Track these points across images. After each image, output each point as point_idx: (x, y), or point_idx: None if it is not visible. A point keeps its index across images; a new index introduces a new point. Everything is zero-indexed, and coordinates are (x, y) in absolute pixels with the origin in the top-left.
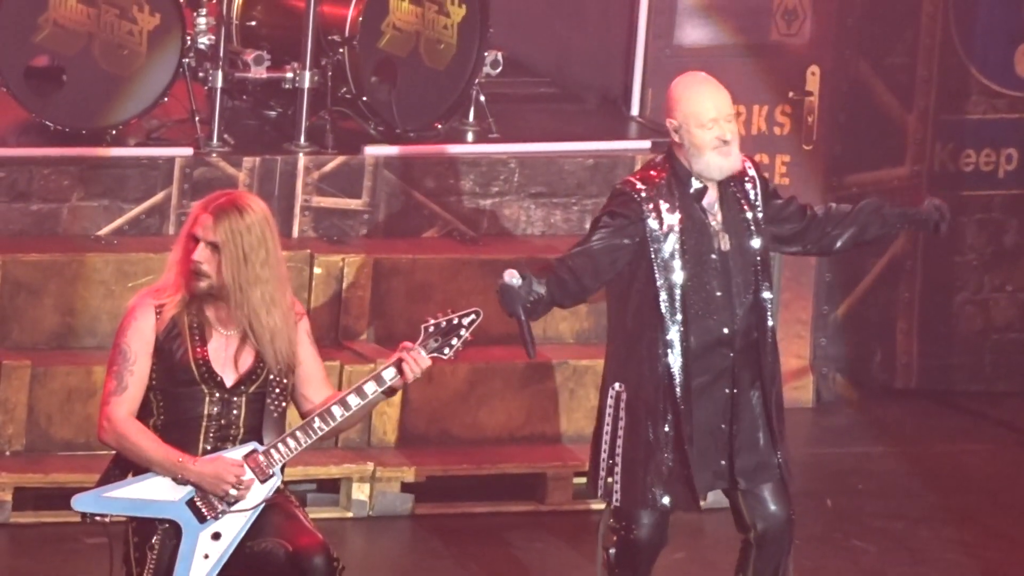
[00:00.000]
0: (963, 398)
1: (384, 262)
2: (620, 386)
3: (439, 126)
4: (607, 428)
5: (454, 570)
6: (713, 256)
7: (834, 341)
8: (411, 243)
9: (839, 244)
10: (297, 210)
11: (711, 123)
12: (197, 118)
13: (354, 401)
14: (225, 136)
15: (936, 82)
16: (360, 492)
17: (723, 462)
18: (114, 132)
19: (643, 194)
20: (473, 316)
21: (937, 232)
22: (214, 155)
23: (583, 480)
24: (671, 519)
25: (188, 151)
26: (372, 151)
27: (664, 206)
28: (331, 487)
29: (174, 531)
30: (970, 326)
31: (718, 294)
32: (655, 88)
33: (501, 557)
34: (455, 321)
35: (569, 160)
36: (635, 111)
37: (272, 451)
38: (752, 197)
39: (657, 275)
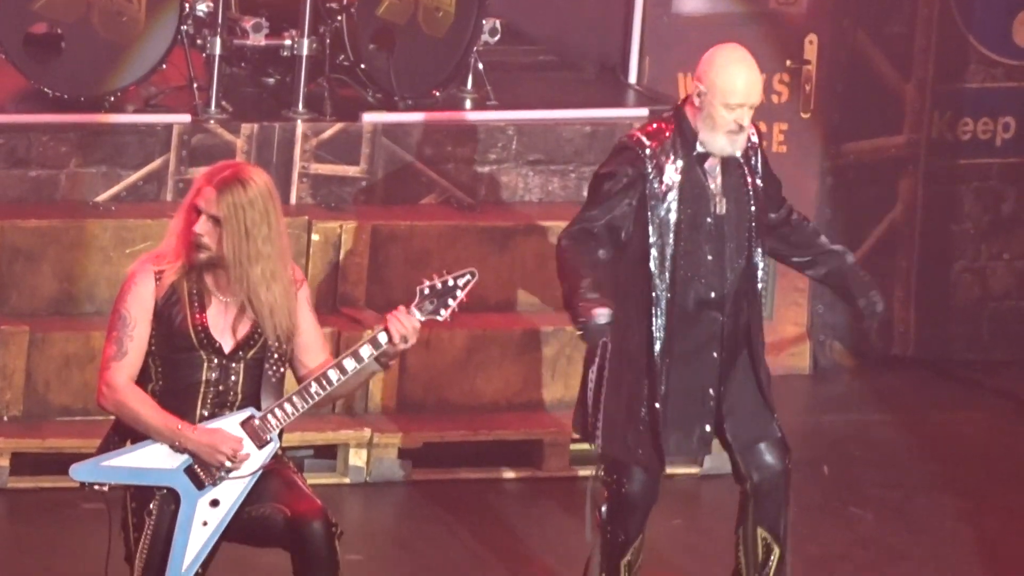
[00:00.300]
0: (960, 367)
1: (382, 229)
2: (606, 337)
3: (437, 93)
4: (592, 377)
5: (450, 536)
6: (708, 220)
7: (831, 309)
8: (409, 210)
9: (788, 261)
10: (295, 177)
11: (736, 107)
12: (195, 85)
13: (350, 365)
14: (223, 103)
15: (934, 51)
16: (357, 458)
17: (708, 427)
18: (112, 99)
19: (647, 151)
20: (468, 277)
21: (861, 323)
22: (212, 122)
23: (580, 447)
24: (669, 486)
25: (186, 118)
26: (370, 118)
27: (667, 164)
28: (328, 453)
29: (172, 497)
30: (967, 295)
31: (709, 258)
32: (653, 56)
33: (497, 523)
34: (450, 282)
35: (567, 128)
36: (633, 79)
37: (269, 416)
38: (754, 163)
39: (651, 234)
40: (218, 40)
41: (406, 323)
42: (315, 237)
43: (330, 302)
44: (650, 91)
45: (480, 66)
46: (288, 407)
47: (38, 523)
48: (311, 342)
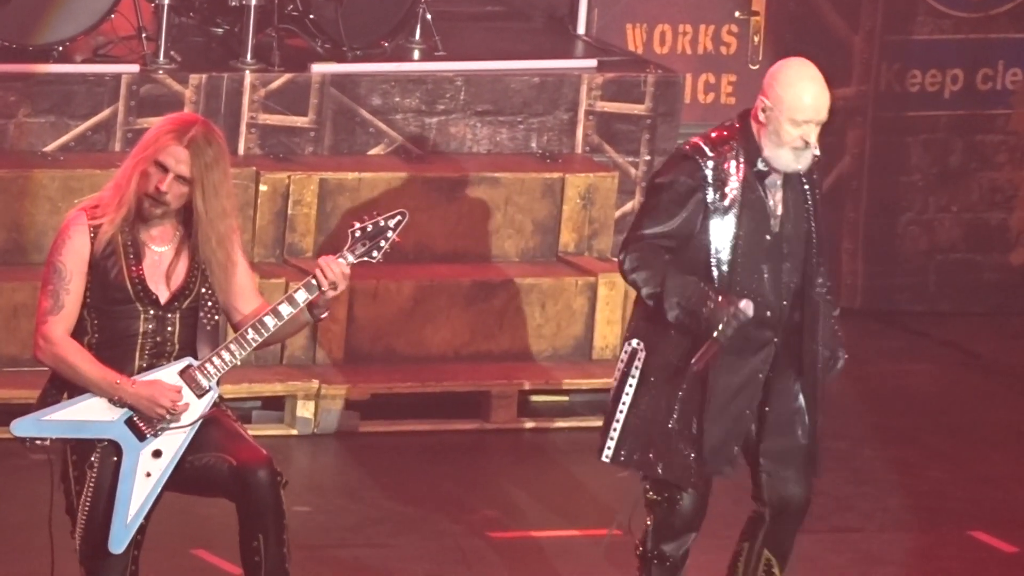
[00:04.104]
0: (907, 318)
1: (330, 180)
2: (638, 343)
3: (385, 44)
4: (615, 384)
5: (398, 487)
6: (767, 237)
7: None
8: (357, 161)
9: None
10: (243, 128)
11: (803, 122)
12: (144, 35)
13: (286, 310)
14: (172, 53)
15: (882, 2)
16: (305, 410)
17: (736, 448)
18: (61, 49)
19: (709, 161)
20: (399, 217)
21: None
22: (161, 72)
23: (527, 398)
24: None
25: (135, 68)
26: (319, 69)
27: (728, 177)
28: (276, 405)
29: (113, 449)
30: (915, 246)
31: (766, 276)
32: (601, 7)
33: (445, 475)
34: (381, 223)
35: (515, 78)
36: (581, 30)
37: (207, 365)
38: (816, 179)
39: (710, 245)
40: None
41: (334, 268)
42: (263, 188)
43: (277, 252)
44: (599, 42)
45: (428, 16)
46: (226, 355)
47: None
48: (244, 286)
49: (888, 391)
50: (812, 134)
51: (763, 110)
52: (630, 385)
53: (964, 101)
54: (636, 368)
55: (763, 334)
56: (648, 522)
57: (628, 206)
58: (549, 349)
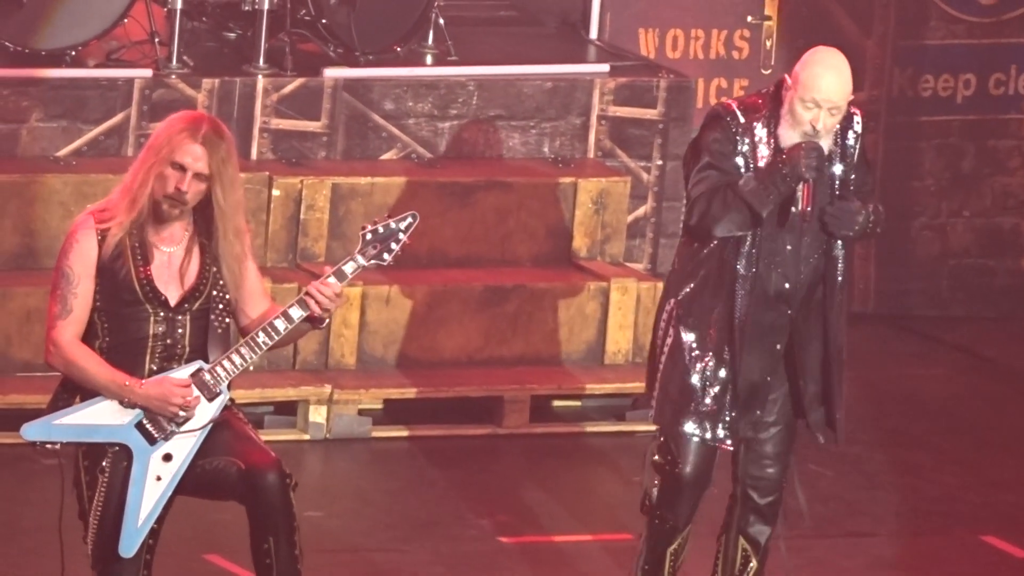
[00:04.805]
0: (920, 322)
1: (342, 184)
2: (673, 303)
3: (398, 49)
4: (657, 344)
5: (410, 492)
6: (793, 209)
7: None
8: (369, 165)
9: None
10: (256, 132)
11: (811, 103)
12: (156, 39)
13: (296, 314)
14: (184, 58)
15: (895, 7)
16: (317, 415)
17: (758, 412)
18: (73, 53)
19: (739, 127)
20: (410, 220)
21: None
22: (173, 76)
23: (540, 403)
24: (630, 443)
25: (147, 72)
26: (331, 73)
27: (759, 143)
28: (289, 410)
29: (124, 454)
30: (927, 251)
31: (788, 247)
32: (614, 11)
33: (457, 480)
34: (392, 226)
35: (528, 83)
36: (594, 34)
37: (218, 368)
38: (849, 152)
39: None
40: None
41: (324, 292)
42: (276, 192)
43: (290, 257)
44: (611, 46)
45: (441, 21)
46: (236, 358)
47: None
48: (253, 289)
49: (900, 395)
50: (822, 121)
51: (785, 88)
52: (667, 346)
53: (977, 106)
54: (672, 327)
55: (779, 305)
56: (655, 482)
57: (640, 211)
58: (562, 354)
